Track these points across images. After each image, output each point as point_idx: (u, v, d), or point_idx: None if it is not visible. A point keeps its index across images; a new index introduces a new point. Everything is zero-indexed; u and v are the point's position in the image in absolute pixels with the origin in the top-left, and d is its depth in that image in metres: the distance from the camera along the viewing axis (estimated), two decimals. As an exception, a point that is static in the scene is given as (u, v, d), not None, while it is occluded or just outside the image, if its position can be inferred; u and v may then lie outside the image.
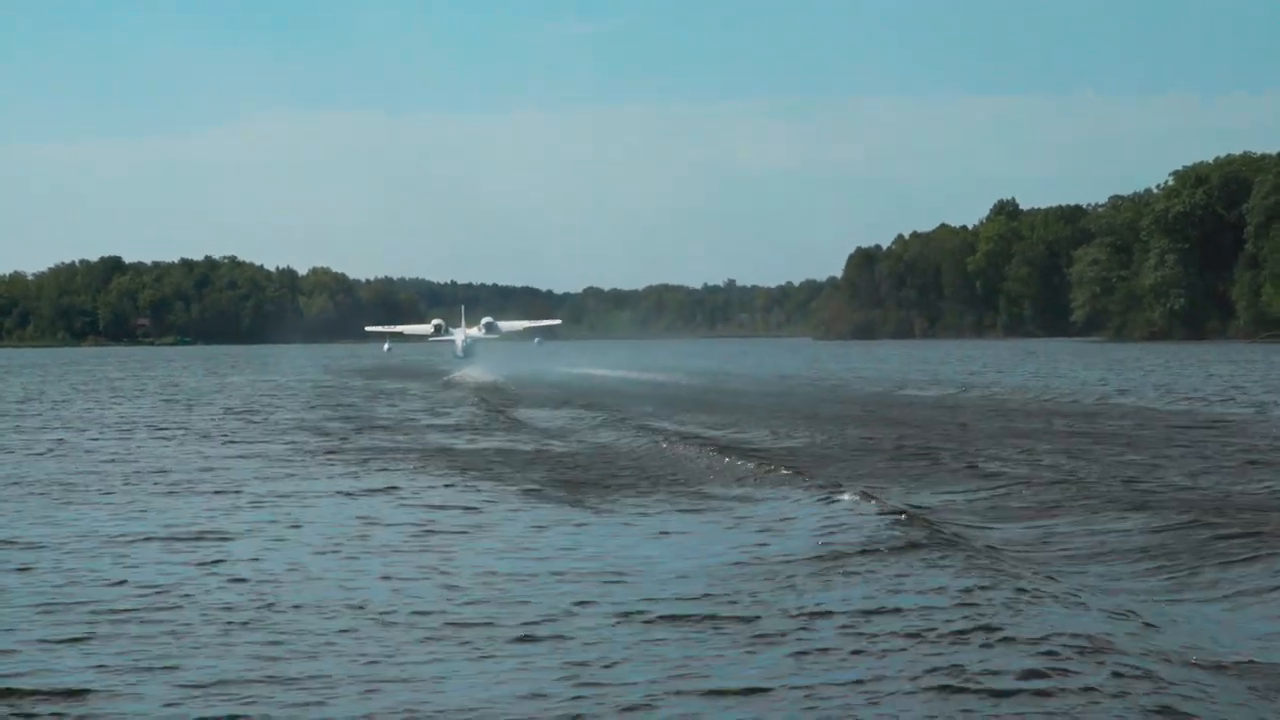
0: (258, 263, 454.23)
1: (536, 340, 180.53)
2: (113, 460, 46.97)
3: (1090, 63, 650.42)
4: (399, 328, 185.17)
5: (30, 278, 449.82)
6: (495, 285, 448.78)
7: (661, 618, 20.28)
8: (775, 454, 44.05)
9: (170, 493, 37.04)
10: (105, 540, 28.57)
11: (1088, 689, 15.81)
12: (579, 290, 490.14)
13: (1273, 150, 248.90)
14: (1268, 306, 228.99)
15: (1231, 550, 24.58)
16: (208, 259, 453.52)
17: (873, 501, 30.79)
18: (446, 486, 37.68)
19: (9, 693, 16.94)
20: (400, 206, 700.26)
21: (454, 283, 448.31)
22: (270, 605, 21.68)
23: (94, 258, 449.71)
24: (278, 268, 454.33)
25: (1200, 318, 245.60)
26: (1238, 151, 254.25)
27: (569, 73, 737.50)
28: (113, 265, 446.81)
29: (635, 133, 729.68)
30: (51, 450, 51.49)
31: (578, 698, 16.46)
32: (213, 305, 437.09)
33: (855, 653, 17.98)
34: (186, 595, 22.53)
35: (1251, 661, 17.37)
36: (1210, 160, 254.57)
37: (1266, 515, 28.06)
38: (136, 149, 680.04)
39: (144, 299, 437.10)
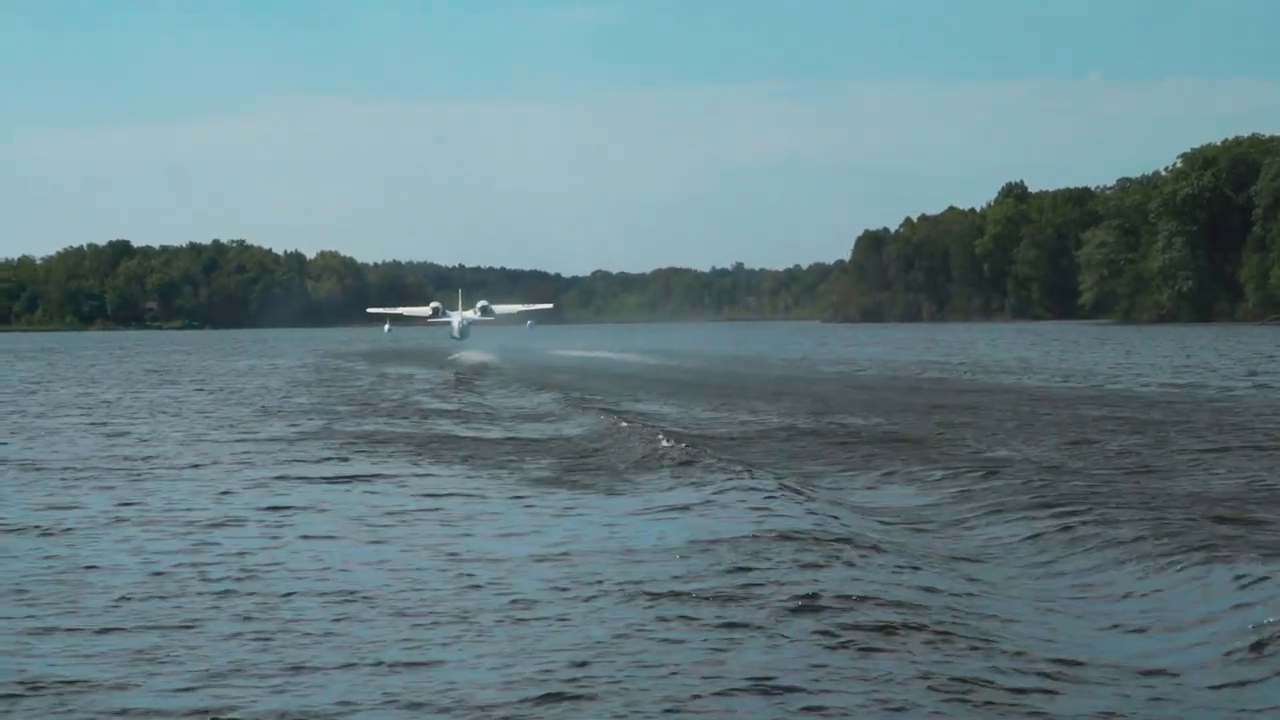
0: (266, 246, 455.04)
1: (529, 323, 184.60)
2: (110, 445, 46.90)
3: (1097, 47, 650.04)
4: (398, 310, 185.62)
5: (38, 262, 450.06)
6: (503, 269, 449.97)
7: (650, 594, 20.15)
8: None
9: (162, 479, 36.87)
10: (101, 526, 28.50)
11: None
12: (587, 274, 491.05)
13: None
14: (1276, 288, 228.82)
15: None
16: (215, 243, 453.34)
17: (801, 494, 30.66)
18: (428, 474, 37.59)
19: (3, 684, 16.81)
20: (408, 192, 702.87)
21: (462, 266, 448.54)
22: (268, 592, 21.58)
23: (102, 242, 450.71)
24: (286, 252, 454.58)
25: (1208, 300, 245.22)
26: (1246, 134, 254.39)
27: (573, 58, 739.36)
28: (121, 249, 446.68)
29: (641, 118, 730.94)
30: (45, 435, 51.47)
31: (571, 679, 16.36)
32: (221, 289, 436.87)
33: (844, 644, 17.91)
34: (182, 583, 22.41)
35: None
36: (1218, 142, 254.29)
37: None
38: (144, 135, 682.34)
39: (152, 283, 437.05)
